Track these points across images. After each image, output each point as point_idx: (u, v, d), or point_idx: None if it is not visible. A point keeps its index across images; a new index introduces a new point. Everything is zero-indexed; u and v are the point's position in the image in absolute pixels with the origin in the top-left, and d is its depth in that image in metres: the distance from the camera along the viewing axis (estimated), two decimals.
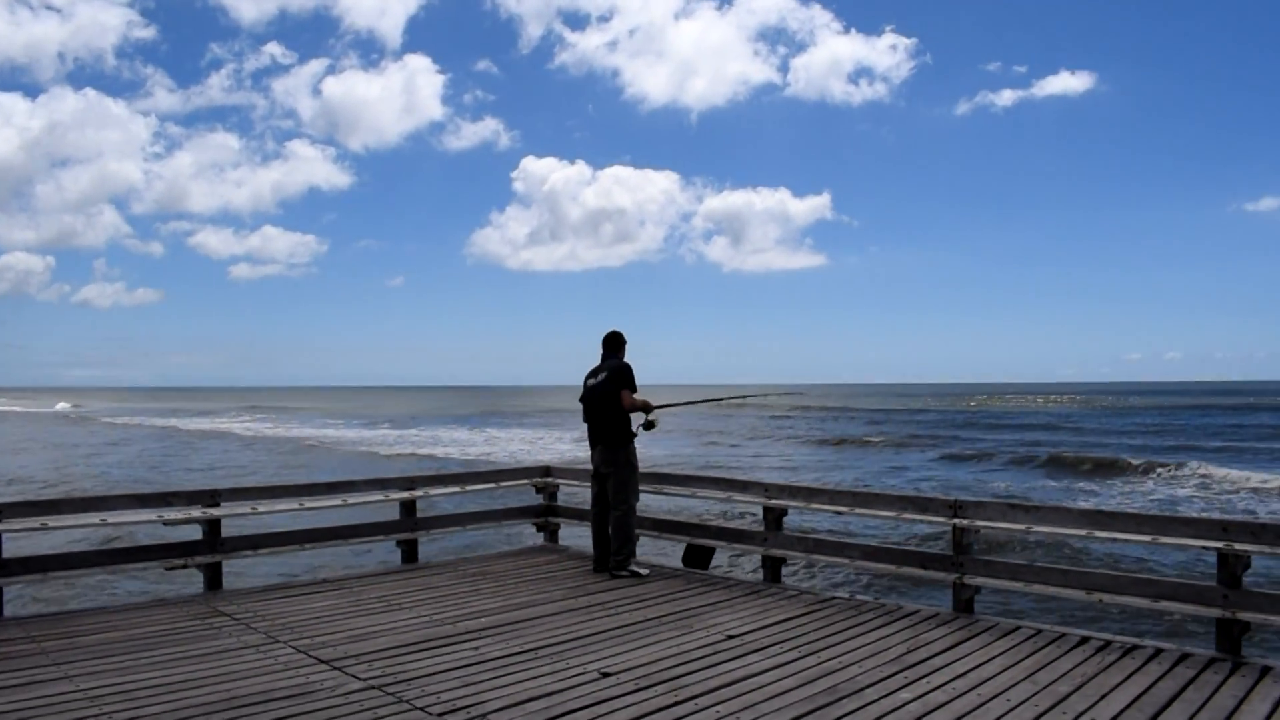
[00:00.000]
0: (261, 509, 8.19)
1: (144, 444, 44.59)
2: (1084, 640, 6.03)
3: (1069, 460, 32.33)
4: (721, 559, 10.36)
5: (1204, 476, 27.46)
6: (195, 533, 7.77)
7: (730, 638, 6.12)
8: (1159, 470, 29.03)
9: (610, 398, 8.23)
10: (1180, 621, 8.80)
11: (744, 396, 9.51)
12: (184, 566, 7.69)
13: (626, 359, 8.48)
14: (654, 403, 8.33)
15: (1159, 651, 5.75)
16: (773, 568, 8.10)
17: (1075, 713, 4.67)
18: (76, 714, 4.60)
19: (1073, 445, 39.44)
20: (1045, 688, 5.08)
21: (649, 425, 8.35)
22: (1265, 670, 5.37)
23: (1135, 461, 30.99)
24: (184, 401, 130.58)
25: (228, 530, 7.91)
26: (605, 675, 5.29)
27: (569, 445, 41.83)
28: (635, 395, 8.25)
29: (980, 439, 44.39)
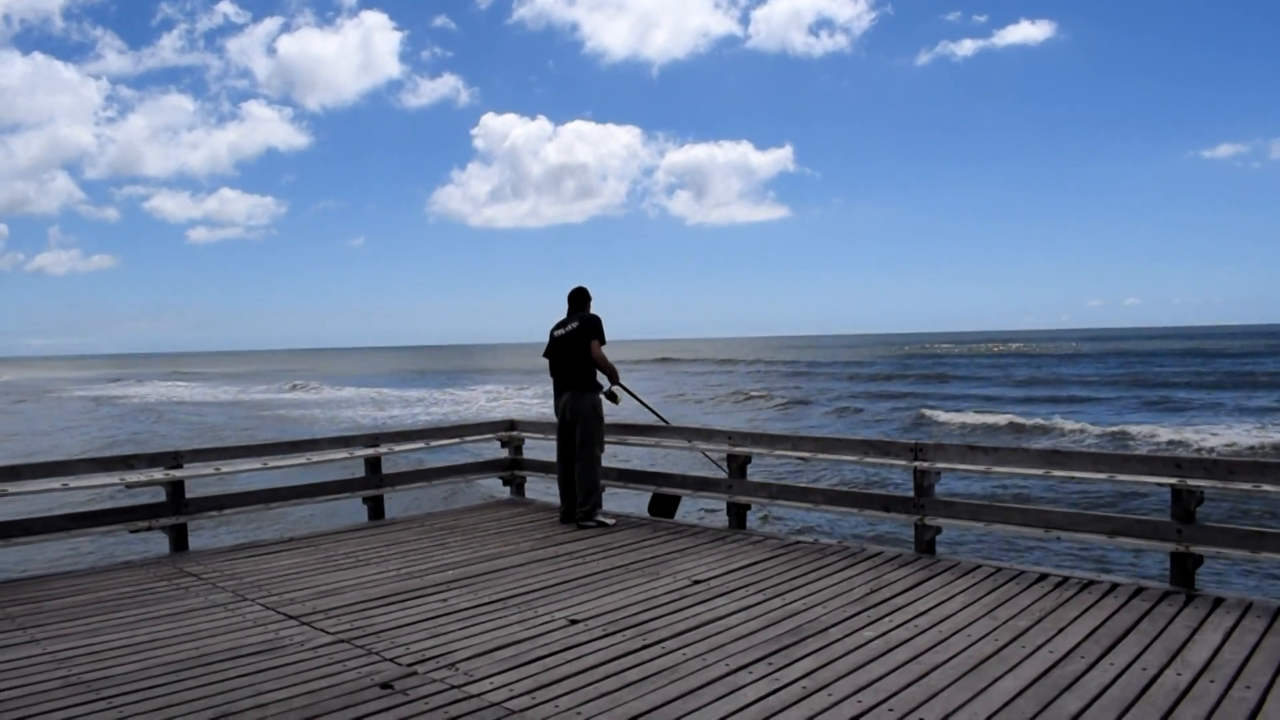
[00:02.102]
0: (225, 469, 8.15)
1: (78, 417, 43.76)
2: (1042, 577, 6.16)
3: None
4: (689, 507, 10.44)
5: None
6: (159, 495, 7.73)
7: (696, 583, 6.20)
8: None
9: (581, 346, 8.24)
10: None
11: (691, 446, 9.14)
12: (148, 529, 7.65)
13: (596, 313, 8.47)
14: (620, 376, 8.40)
15: (1115, 586, 5.88)
16: (738, 514, 8.19)
17: (1034, 646, 4.78)
18: (44, 676, 4.60)
19: (937, 399, 39.50)
20: (1005, 623, 5.19)
21: (612, 396, 8.40)
22: (1218, 601, 5.51)
23: (943, 416, 31.59)
24: (139, 368, 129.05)
25: (191, 491, 7.88)
26: (573, 622, 5.35)
27: (533, 400, 41.91)
28: (605, 352, 8.27)
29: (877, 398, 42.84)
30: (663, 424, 8.96)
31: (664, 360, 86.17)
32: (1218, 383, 42.24)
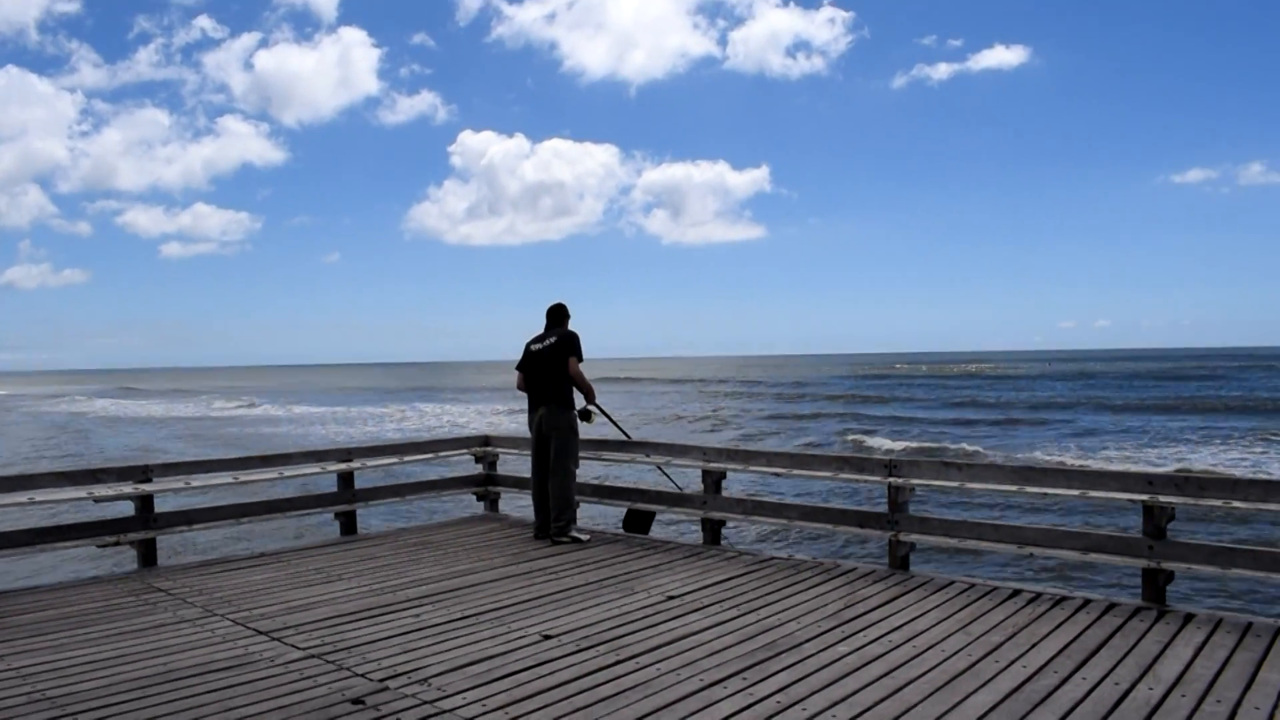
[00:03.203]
0: (195, 483, 8.06)
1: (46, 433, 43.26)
2: (1015, 593, 6.18)
3: None
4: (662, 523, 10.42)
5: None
6: (127, 509, 7.64)
7: (671, 598, 6.18)
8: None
9: (558, 362, 8.21)
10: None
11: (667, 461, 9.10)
12: (116, 544, 7.55)
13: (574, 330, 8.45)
14: (596, 395, 8.40)
15: (1088, 602, 5.91)
16: (713, 530, 8.18)
17: (1007, 661, 4.79)
18: (9, 692, 4.52)
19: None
20: (978, 638, 5.20)
21: (585, 415, 8.39)
22: (1188, 617, 5.55)
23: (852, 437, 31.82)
24: (107, 383, 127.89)
25: (161, 506, 7.79)
26: (547, 638, 5.32)
27: (507, 418, 41.79)
28: (582, 370, 8.25)
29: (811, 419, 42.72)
30: (638, 442, 8.94)
31: (623, 379, 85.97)
32: (1165, 407, 41.92)
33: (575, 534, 8.24)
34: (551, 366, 8.25)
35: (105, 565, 9.62)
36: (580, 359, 8.25)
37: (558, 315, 8.52)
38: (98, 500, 7.63)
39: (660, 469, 8.79)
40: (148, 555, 7.65)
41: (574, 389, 8.31)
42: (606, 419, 8.78)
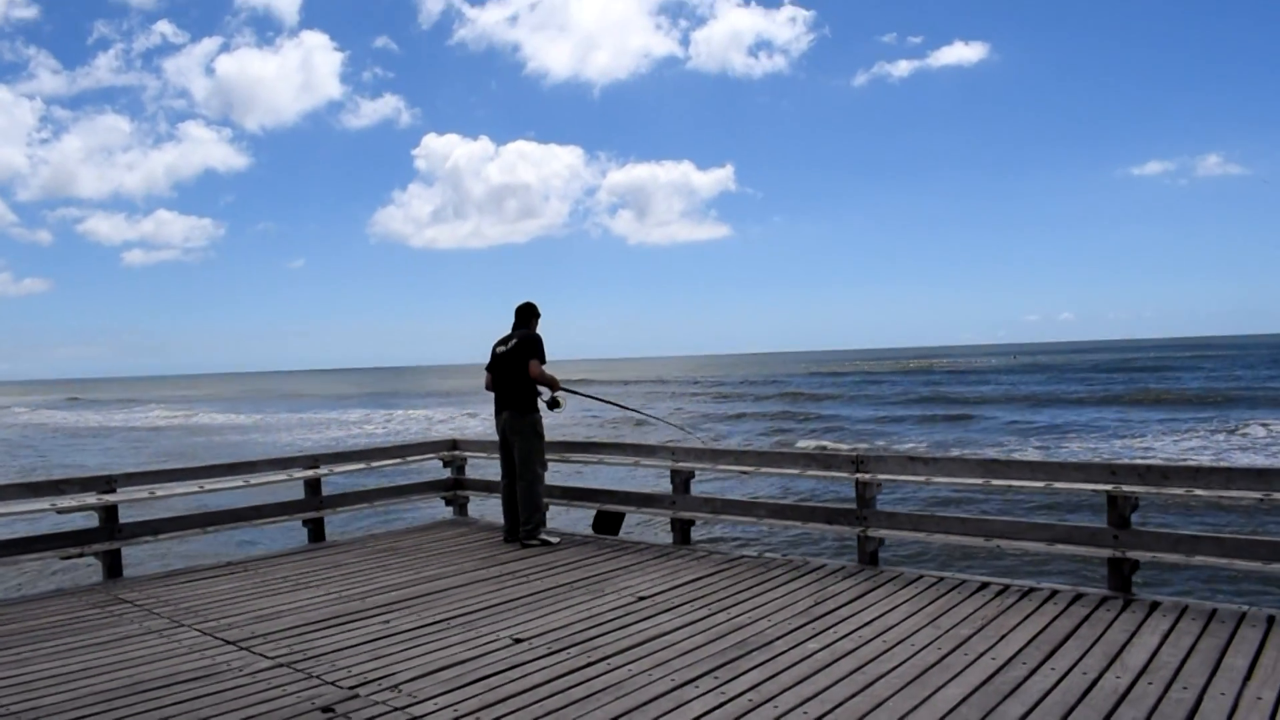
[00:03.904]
0: (160, 493, 7.97)
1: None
2: (984, 585, 6.23)
3: None
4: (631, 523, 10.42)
5: None
6: (91, 520, 7.55)
7: (641, 599, 6.18)
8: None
9: (519, 365, 8.17)
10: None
11: (656, 419, 9.23)
12: (80, 555, 7.45)
13: (538, 332, 8.42)
14: (560, 382, 8.33)
15: (1055, 593, 5.97)
16: (682, 530, 8.19)
17: (976, 653, 4.83)
18: None
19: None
20: (947, 631, 5.24)
21: (554, 404, 8.32)
22: (1154, 605, 5.62)
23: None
24: (70, 393, 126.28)
25: (125, 516, 7.70)
26: (518, 641, 5.30)
27: (476, 422, 41.60)
28: (545, 368, 8.23)
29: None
30: (606, 443, 8.93)
31: (577, 380, 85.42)
32: (1129, 399, 41.34)
33: (544, 537, 8.22)
34: (513, 369, 8.22)
35: (69, 576, 9.47)
36: (542, 360, 8.21)
37: (524, 315, 8.47)
38: (61, 511, 7.52)
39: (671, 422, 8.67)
40: (113, 566, 7.57)
41: (537, 390, 8.29)
42: (583, 397, 8.66)
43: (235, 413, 59.74)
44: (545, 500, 8.49)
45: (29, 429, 51.10)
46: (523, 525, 8.24)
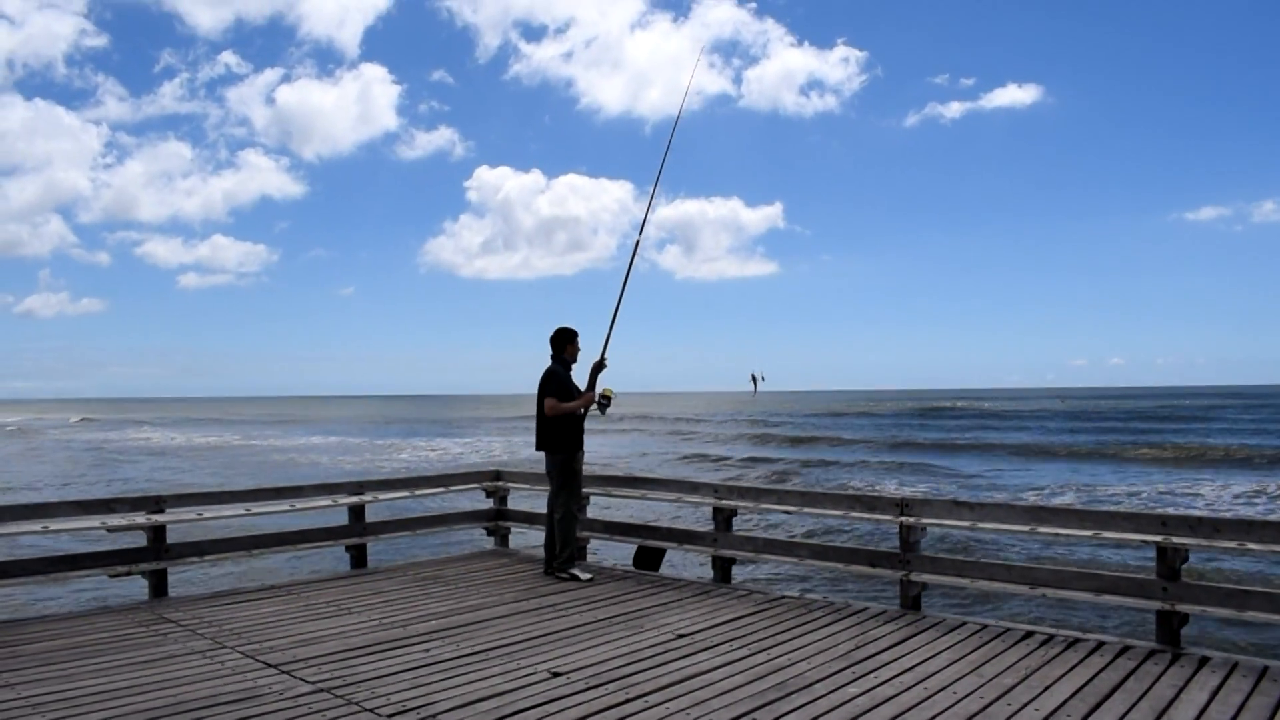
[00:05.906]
0: (207, 515, 8.08)
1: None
2: (1028, 634, 6.13)
3: None
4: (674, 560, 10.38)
5: None
6: (140, 539, 7.66)
7: (680, 636, 6.15)
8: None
9: (540, 406, 8.17)
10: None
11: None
12: (128, 574, 7.57)
13: (577, 357, 8.32)
14: (587, 396, 8.17)
15: (1101, 644, 5.87)
16: (723, 568, 8.15)
17: (1019, 704, 4.75)
18: None
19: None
20: (990, 680, 5.17)
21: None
22: (1203, 660, 5.50)
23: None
24: (120, 413, 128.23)
25: (173, 537, 7.81)
26: (555, 675, 5.30)
27: (520, 451, 41.66)
28: (561, 402, 8.08)
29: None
30: (648, 479, 8.90)
31: (634, 416, 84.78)
32: (1177, 449, 40.22)
33: (575, 572, 8.18)
34: (539, 410, 8.22)
35: (117, 594, 9.60)
36: (560, 395, 8.09)
37: (555, 343, 8.33)
38: (110, 530, 7.64)
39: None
40: (159, 586, 7.67)
41: (565, 428, 8.15)
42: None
43: (303, 436, 60.38)
44: (586, 534, 8.48)
45: (88, 447, 51.78)
46: (555, 559, 8.25)
